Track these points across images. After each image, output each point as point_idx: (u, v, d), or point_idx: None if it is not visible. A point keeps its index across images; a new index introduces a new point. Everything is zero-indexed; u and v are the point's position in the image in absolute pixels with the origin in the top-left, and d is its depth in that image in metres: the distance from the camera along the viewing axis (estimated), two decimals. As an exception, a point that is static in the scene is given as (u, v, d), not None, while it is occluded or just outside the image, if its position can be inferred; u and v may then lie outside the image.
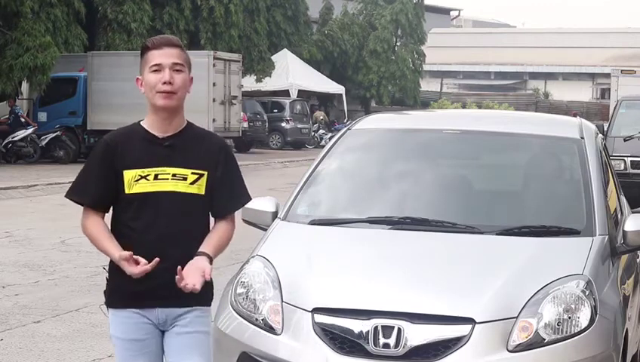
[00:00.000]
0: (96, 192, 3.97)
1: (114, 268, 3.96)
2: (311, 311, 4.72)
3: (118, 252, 3.86)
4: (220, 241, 4.01)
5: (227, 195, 4.03)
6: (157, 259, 3.80)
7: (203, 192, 3.98)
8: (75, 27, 30.30)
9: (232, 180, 4.05)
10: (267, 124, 37.41)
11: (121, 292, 3.97)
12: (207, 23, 35.89)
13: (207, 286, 3.99)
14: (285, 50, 42.65)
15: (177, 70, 3.92)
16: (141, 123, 4.05)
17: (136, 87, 4.10)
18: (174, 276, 3.82)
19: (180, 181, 3.93)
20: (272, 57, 40.82)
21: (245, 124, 33.27)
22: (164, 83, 3.89)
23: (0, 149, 26.93)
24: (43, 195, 19.89)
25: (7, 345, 7.69)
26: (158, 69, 3.91)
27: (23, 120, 27.69)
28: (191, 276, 3.83)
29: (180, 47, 3.97)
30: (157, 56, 3.91)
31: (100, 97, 28.57)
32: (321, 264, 5.09)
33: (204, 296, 4.00)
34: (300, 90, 42.07)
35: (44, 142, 27.65)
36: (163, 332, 4.02)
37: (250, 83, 38.82)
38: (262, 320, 4.85)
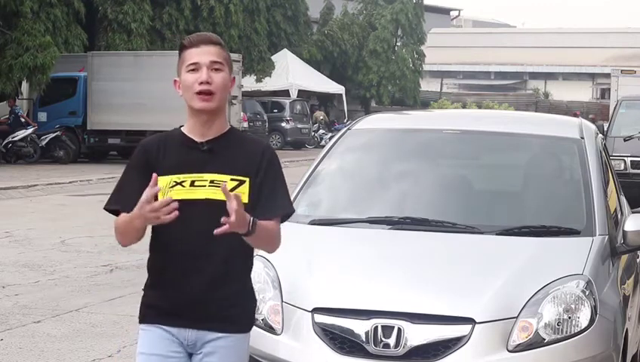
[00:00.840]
0: (137, 199, 3.53)
1: (148, 284, 3.72)
2: (311, 311, 4.73)
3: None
4: (267, 226, 3.58)
5: (265, 203, 3.61)
6: (168, 199, 3.44)
7: (245, 200, 3.57)
8: (75, 27, 30.31)
9: (272, 188, 3.64)
10: (267, 124, 37.41)
11: (153, 307, 3.68)
12: (207, 22, 35.88)
13: (248, 307, 3.73)
14: (285, 50, 42.66)
15: (216, 69, 3.61)
16: (181, 128, 3.71)
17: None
18: (209, 292, 3.58)
19: (219, 188, 3.54)
20: (272, 57, 40.84)
21: (245, 124, 33.27)
22: (202, 83, 3.58)
23: (0, 149, 26.94)
24: (43, 195, 19.90)
25: (7, 345, 7.69)
26: (195, 68, 3.60)
27: (23, 120, 27.71)
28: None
29: (220, 44, 3.67)
30: (194, 55, 3.61)
31: (100, 97, 28.56)
32: (321, 264, 5.09)
33: (240, 320, 3.69)
34: (300, 90, 42.09)
35: (44, 142, 27.67)
36: (191, 356, 3.68)
37: (250, 83, 38.83)
38: (262, 320, 4.85)
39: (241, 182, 3.61)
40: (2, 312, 8.80)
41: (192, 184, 3.58)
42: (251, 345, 4.79)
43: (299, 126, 39.61)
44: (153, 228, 3.63)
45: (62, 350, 7.54)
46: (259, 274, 4.99)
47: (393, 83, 50.90)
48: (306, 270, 5.01)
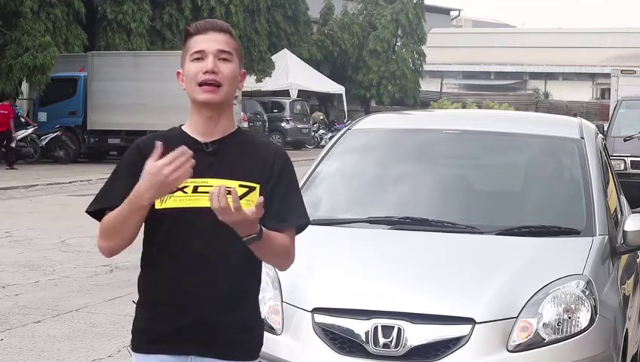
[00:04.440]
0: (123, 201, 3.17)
1: (141, 304, 3.27)
2: (311, 311, 4.73)
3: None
4: (276, 238, 3.17)
5: (277, 212, 3.22)
6: (183, 148, 3.00)
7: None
8: (75, 27, 30.30)
9: (286, 196, 3.27)
10: (267, 124, 37.45)
11: (149, 332, 3.23)
12: (208, 23, 35.89)
13: (257, 335, 3.29)
14: (285, 50, 42.68)
15: (224, 59, 3.19)
16: (181, 127, 3.30)
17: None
18: (215, 312, 3.13)
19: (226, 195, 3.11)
20: (272, 57, 40.84)
21: (245, 124, 33.28)
22: (207, 72, 3.16)
23: (0, 149, 26.96)
24: (43, 195, 19.91)
25: (7, 345, 7.69)
26: (200, 56, 3.18)
27: (23, 120, 27.72)
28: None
29: (230, 32, 3.26)
30: (200, 42, 3.20)
31: (100, 97, 28.58)
32: (321, 264, 5.09)
33: (252, 347, 3.27)
34: (300, 90, 42.11)
35: (44, 142, 27.69)
36: None
37: (250, 83, 38.82)
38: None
39: (251, 189, 3.18)
40: (2, 312, 8.80)
41: (196, 190, 3.15)
42: (251, 345, 4.81)
43: (299, 126, 39.63)
44: (145, 240, 3.25)
45: (62, 350, 7.55)
46: (259, 274, 4.99)
47: (393, 83, 50.92)
48: (306, 270, 5.00)
